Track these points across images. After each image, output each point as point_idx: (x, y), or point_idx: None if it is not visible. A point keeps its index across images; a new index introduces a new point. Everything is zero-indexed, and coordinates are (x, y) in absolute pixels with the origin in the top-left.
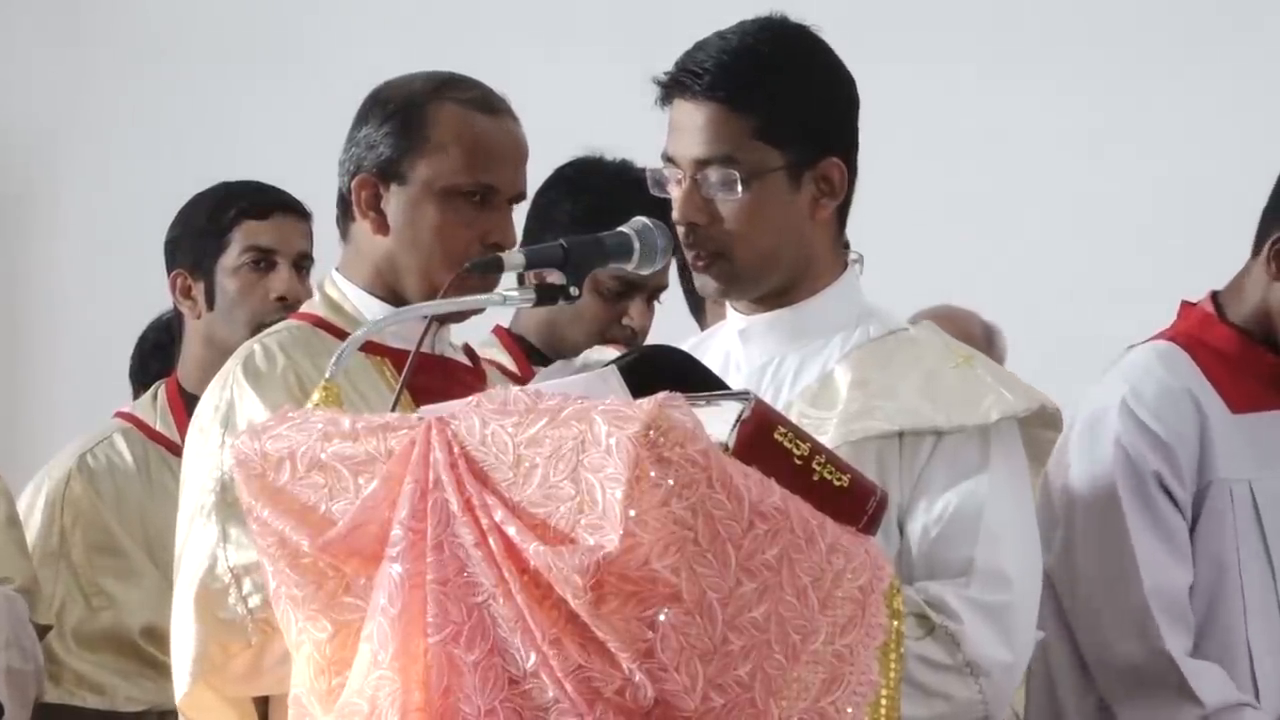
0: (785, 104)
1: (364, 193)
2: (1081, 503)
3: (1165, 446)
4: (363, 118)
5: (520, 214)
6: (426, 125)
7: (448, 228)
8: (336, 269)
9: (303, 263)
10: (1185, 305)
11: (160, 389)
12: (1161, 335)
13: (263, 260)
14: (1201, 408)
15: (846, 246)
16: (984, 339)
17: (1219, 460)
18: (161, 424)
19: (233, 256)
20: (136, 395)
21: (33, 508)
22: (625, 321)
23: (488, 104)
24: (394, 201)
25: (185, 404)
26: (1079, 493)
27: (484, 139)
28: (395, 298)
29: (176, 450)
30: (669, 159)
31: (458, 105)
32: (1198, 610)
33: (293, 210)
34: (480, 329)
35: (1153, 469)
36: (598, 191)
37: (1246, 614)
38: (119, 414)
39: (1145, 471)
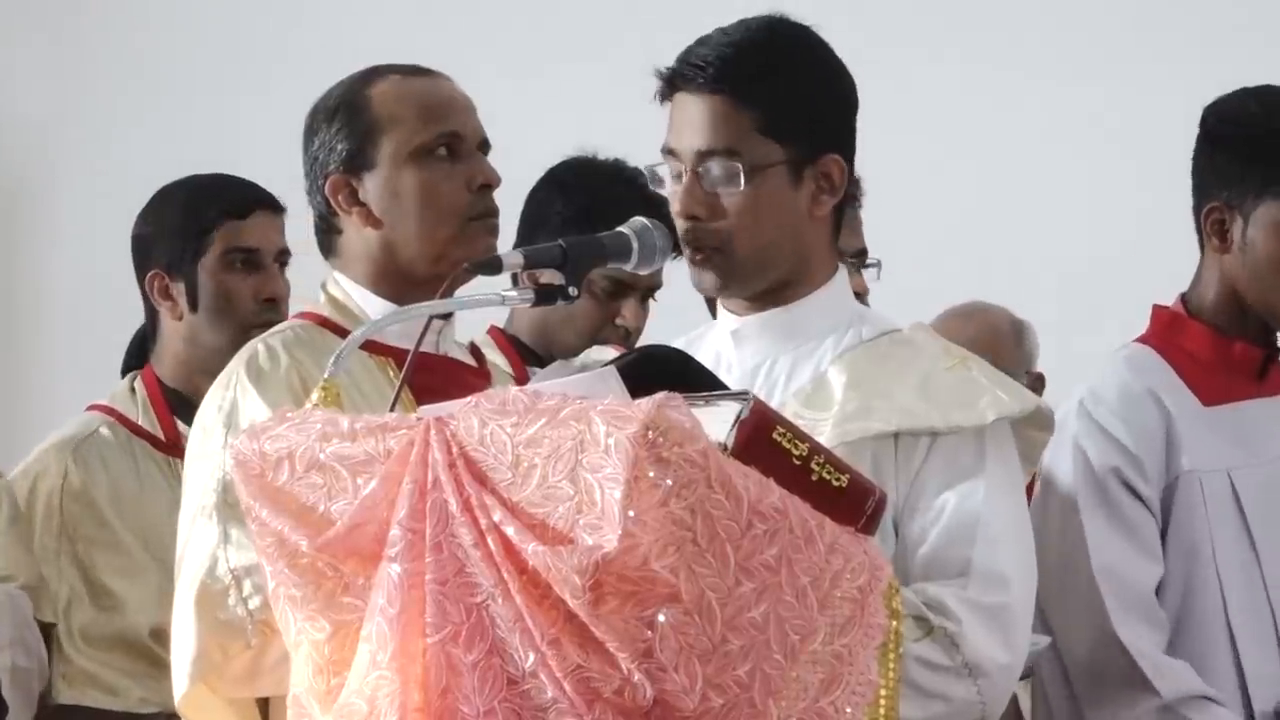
0: (788, 99)
1: (341, 194)
2: (1043, 505)
3: (1122, 444)
4: (310, 132)
5: (512, 214)
6: (372, 107)
7: (431, 186)
8: (336, 270)
9: (282, 258)
10: (1156, 308)
11: (137, 382)
12: (1138, 339)
13: (247, 260)
14: (1165, 405)
15: (865, 253)
16: (1013, 335)
17: (1187, 454)
18: (144, 418)
19: (215, 257)
20: None
21: (27, 505)
22: (619, 322)
23: (419, 69)
24: (371, 188)
25: (166, 399)
26: (1042, 497)
27: (429, 95)
28: (399, 289)
29: (160, 445)
30: (670, 151)
31: (392, 78)
32: (1171, 605)
33: (270, 206)
34: (475, 329)
35: (1112, 465)
36: (590, 191)
37: (1227, 606)
38: (97, 407)
39: (1104, 469)
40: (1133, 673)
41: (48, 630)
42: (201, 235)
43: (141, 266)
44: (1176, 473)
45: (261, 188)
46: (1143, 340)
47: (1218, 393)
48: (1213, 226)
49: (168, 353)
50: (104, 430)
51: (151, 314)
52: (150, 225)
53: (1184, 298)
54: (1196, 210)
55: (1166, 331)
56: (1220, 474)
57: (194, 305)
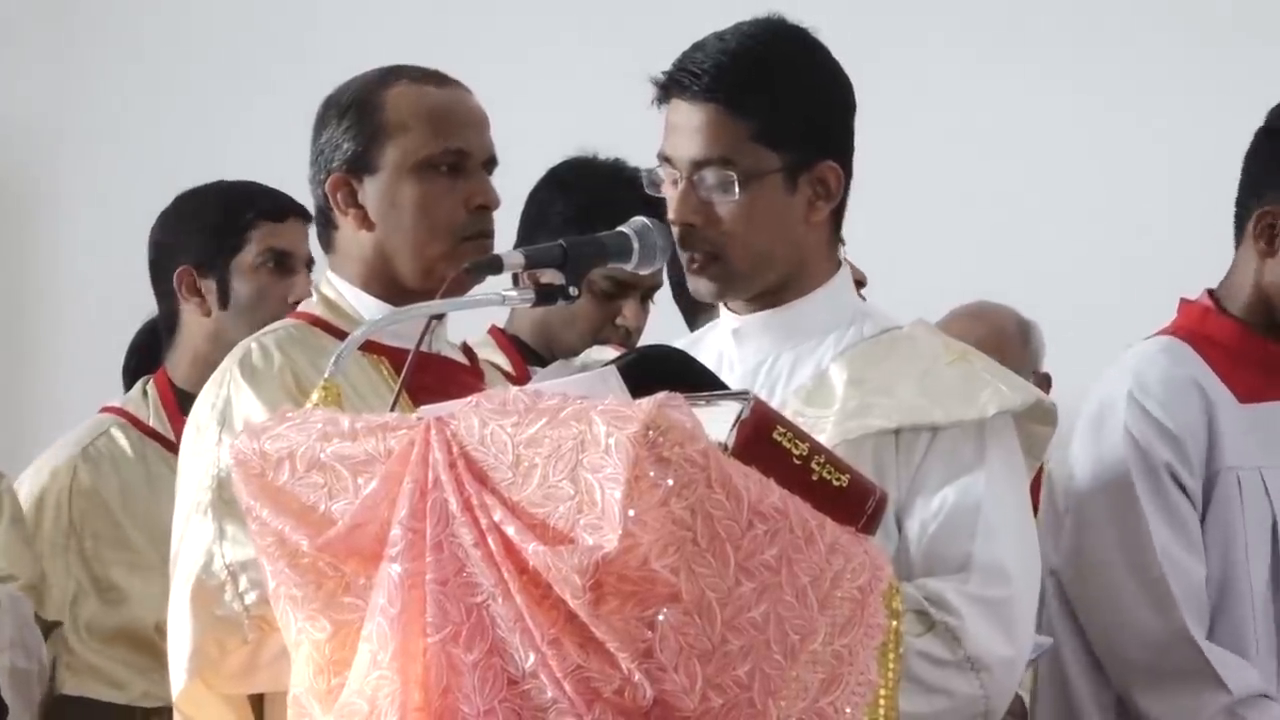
0: (783, 107)
1: (339, 193)
2: (1091, 494)
3: (1173, 436)
4: (320, 124)
5: (513, 215)
6: (384, 110)
7: (429, 201)
8: (331, 269)
9: (310, 265)
10: (1184, 302)
11: (149, 385)
12: (1162, 332)
13: (281, 263)
14: (1208, 397)
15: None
16: (1019, 335)
17: (1227, 449)
18: (155, 420)
19: (251, 257)
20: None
21: (37, 502)
22: (620, 322)
23: (437, 77)
24: (370, 192)
25: (178, 400)
26: (1088, 485)
27: (442, 107)
28: (390, 292)
29: (171, 447)
30: (665, 159)
31: (408, 84)
32: (1210, 602)
33: (302, 214)
34: (477, 329)
35: (1163, 459)
36: (591, 191)
37: (1254, 606)
38: (109, 409)
39: (1157, 461)
40: (1202, 667)
41: (50, 629)
42: (238, 234)
43: (166, 264)
44: (1218, 468)
45: (293, 198)
46: (1170, 333)
47: (1253, 390)
48: (1263, 230)
49: (186, 351)
50: (115, 431)
51: (171, 313)
52: (180, 223)
53: (1213, 294)
54: (1242, 206)
55: (1197, 325)
56: (1254, 473)
57: (224, 303)
